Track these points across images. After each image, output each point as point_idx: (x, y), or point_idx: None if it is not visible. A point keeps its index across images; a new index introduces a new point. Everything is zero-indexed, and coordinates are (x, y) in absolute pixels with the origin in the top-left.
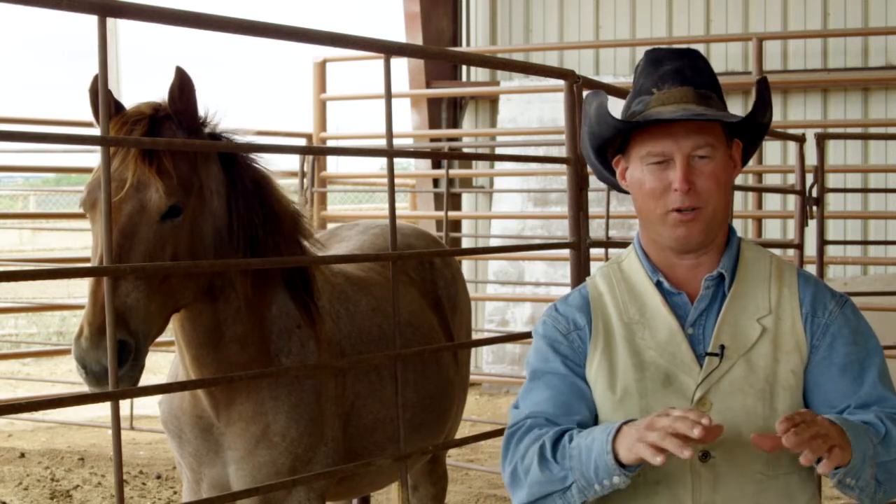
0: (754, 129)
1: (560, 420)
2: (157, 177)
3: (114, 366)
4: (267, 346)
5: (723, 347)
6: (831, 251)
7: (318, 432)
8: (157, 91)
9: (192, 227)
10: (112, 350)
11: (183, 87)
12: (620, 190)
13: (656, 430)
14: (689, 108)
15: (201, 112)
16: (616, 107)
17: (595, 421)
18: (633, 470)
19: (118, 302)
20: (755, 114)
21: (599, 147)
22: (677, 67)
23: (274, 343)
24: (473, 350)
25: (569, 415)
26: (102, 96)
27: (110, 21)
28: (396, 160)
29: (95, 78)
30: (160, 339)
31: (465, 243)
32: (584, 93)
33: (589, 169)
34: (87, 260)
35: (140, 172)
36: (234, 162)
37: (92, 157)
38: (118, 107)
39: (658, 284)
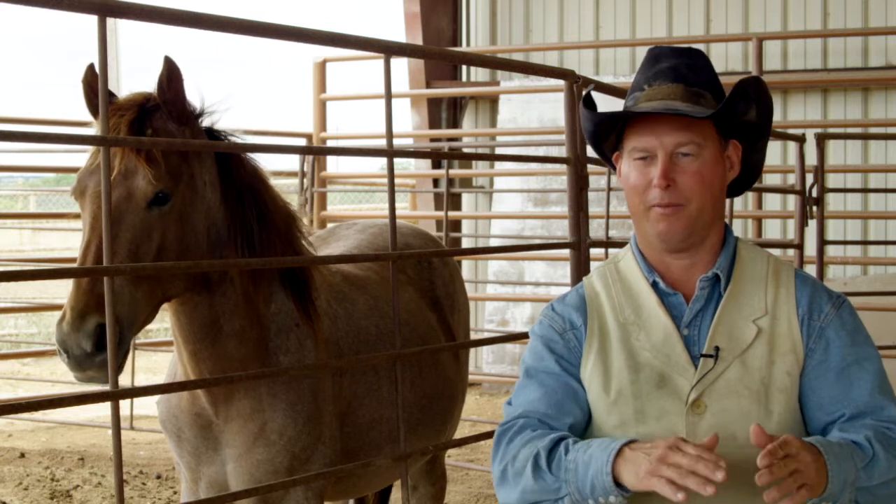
0: (749, 129)
1: (552, 420)
2: (144, 164)
3: (113, 366)
4: (265, 343)
5: (717, 349)
6: (831, 251)
7: (316, 431)
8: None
9: (182, 215)
10: (112, 351)
11: (171, 76)
12: None
13: (672, 467)
14: (671, 105)
15: (194, 103)
16: (615, 105)
17: (588, 421)
18: (630, 492)
19: (101, 287)
20: (731, 109)
21: (595, 142)
22: (673, 65)
23: (272, 341)
24: (473, 350)
25: (561, 415)
26: (102, 97)
27: (110, 21)
28: (396, 160)
29: (88, 68)
30: (161, 338)
31: (465, 243)
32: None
33: (591, 168)
34: None
35: (127, 160)
36: (229, 157)
37: None
38: (111, 96)
39: (654, 285)
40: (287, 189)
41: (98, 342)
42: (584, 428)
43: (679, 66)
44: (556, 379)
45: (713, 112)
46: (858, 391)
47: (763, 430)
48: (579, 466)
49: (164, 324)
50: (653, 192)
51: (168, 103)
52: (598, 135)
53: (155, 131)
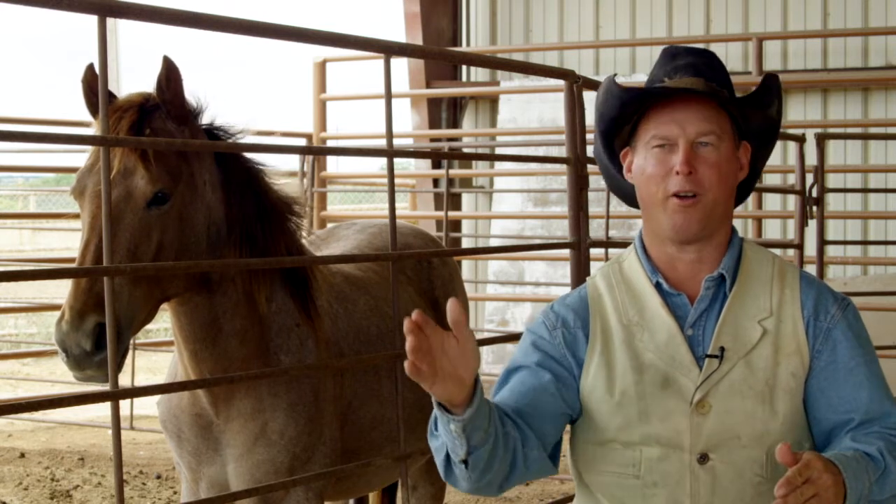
0: (763, 129)
1: (505, 403)
2: (142, 164)
3: (113, 366)
4: (266, 343)
5: (722, 349)
6: (831, 251)
7: (317, 431)
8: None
9: (181, 215)
10: (111, 350)
11: (170, 76)
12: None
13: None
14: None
15: (193, 102)
16: None
17: (554, 420)
18: (459, 414)
19: (100, 286)
20: (760, 99)
21: (607, 133)
22: (692, 62)
23: (273, 340)
24: None
25: (510, 401)
26: (102, 97)
27: (110, 21)
28: (396, 160)
29: (88, 68)
30: (161, 338)
31: (465, 243)
32: (586, 92)
33: (591, 168)
34: None
35: (127, 159)
36: (229, 157)
37: None
38: (111, 96)
39: (657, 285)
40: (283, 185)
41: (97, 341)
42: (551, 426)
43: (698, 63)
44: (528, 371)
45: (747, 95)
46: (866, 393)
47: (790, 450)
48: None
49: (164, 324)
50: (673, 180)
51: (167, 103)
52: (617, 122)
53: (154, 131)
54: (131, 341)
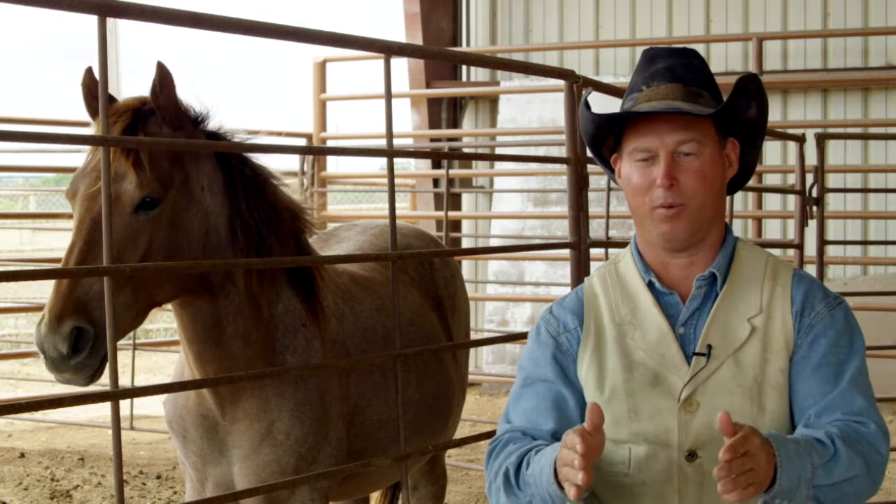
0: (747, 127)
1: (536, 431)
2: (132, 168)
3: (114, 366)
4: (272, 344)
5: (710, 347)
6: (831, 251)
7: (323, 432)
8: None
9: (174, 221)
10: (111, 351)
11: (163, 81)
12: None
13: (565, 466)
14: (672, 104)
15: (192, 108)
16: (614, 106)
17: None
18: (582, 495)
19: (80, 291)
20: (733, 106)
21: (594, 145)
22: (669, 65)
23: (279, 341)
24: (473, 350)
25: (547, 424)
26: (102, 97)
27: (110, 21)
28: (396, 160)
29: (87, 72)
30: (161, 339)
31: (465, 243)
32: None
33: (591, 168)
34: None
35: (117, 164)
36: (231, 160)
37: None
38: (111, 99)
39: (650, 285)
40: (289, 185)
41: (74, 345)
42: None
43: (675, 66)
44: (548, 388)
45: (717, 109)
46: (833, 389)
47: (730, 420)
48: (537, 479)
49: (163, 324)
50: (656, 193)
51: (161, 108)
52: (598, 137)
53: (147, 135)
54: (132, 342)
